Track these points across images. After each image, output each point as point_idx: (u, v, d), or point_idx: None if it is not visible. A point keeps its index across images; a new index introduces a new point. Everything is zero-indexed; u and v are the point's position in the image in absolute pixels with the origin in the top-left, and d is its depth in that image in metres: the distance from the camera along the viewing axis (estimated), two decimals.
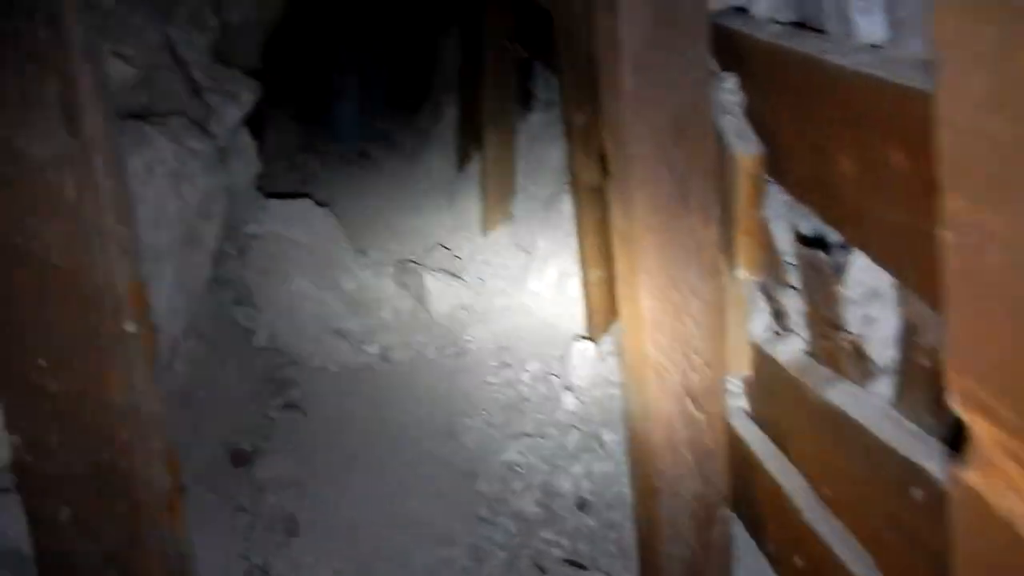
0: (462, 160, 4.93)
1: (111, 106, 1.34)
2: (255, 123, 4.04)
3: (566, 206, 3.50)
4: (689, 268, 1.59)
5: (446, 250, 4.08)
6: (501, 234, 4.17)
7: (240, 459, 2.37)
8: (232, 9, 3.23)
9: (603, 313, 3.17)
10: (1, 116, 1.08)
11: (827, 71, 1.17)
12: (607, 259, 3.13)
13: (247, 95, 3.43)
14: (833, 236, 1.41)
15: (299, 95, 6.38)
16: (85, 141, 1.16)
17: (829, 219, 1.34)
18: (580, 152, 2.92)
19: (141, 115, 2.13)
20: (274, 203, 3.69)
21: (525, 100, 4.10)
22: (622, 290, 1.72)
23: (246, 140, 3.69)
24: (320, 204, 3.97)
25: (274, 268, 3.30)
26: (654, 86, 1.45)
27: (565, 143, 3.14)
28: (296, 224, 3.64)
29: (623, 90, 1.44)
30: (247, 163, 3.70)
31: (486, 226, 4.23)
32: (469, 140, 4.88)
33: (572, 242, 3.39)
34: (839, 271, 1.35)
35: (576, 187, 3.03)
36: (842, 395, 1.35)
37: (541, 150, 3.95)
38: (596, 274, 3.09)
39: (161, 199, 2.02)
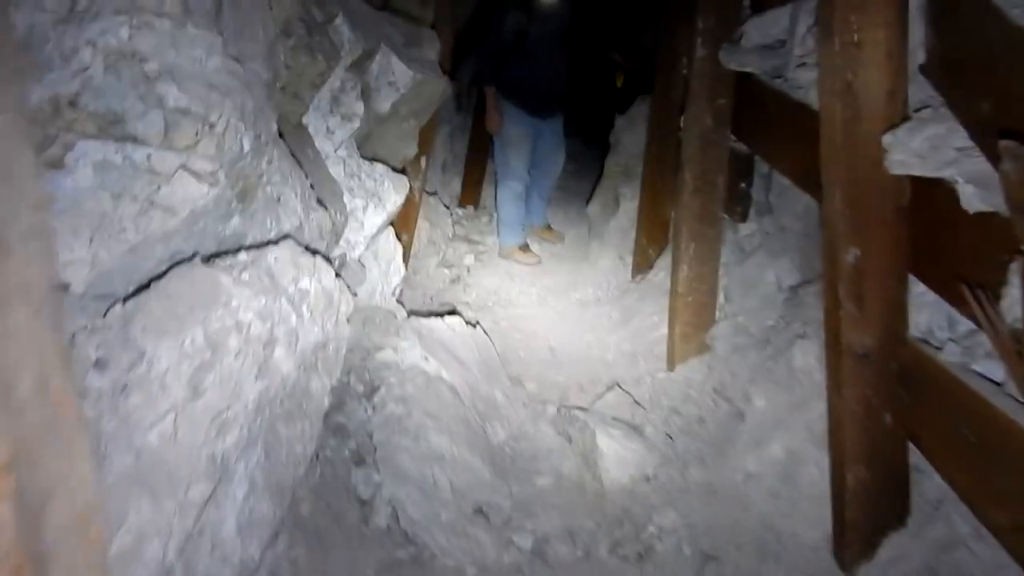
0: (641, 266, 4.06)
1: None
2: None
3: (800, 358, 2.53)
4: None
5: (623, 392, 3.20)
6: (694, 371, 3.23)
7: None
8: (382, 95, 2.64)
9: (862, 532, 2.15)
10: None
11: None
12: (876, 454, 2.13)
13: (394, 196, 2.79)
14: None
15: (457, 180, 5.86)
16: None
17: None
18: (847, 299, 1.97)
19: (223, 251, 1.47)
20: (416, 323, 3.00)
21: (737, 203, 3.20)
22: None
23: (388, 245, 3.06)
24: (471, 323, 3.24)
25: (407, 416, 2.57)
26: None
27: (823, 285, 2.19)
28: (440, 351, 2.91)
29: None
30: (388, 273, 3.06)
31: (673, 358, 3.31)
32: (652, 242, 4.02)
33: (811, 411, 2.41)
34: None
35: (834, 346, 2.07)
36: None
37: (755, 269, 3.02)
38: (860, 474, 2.09)
39: (229, 388, 1.33)
